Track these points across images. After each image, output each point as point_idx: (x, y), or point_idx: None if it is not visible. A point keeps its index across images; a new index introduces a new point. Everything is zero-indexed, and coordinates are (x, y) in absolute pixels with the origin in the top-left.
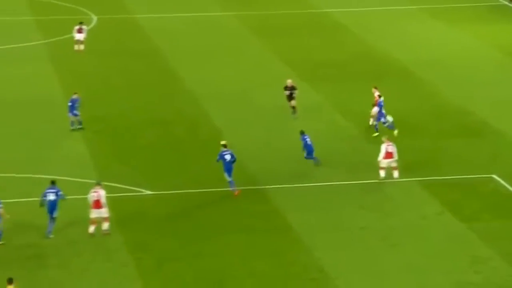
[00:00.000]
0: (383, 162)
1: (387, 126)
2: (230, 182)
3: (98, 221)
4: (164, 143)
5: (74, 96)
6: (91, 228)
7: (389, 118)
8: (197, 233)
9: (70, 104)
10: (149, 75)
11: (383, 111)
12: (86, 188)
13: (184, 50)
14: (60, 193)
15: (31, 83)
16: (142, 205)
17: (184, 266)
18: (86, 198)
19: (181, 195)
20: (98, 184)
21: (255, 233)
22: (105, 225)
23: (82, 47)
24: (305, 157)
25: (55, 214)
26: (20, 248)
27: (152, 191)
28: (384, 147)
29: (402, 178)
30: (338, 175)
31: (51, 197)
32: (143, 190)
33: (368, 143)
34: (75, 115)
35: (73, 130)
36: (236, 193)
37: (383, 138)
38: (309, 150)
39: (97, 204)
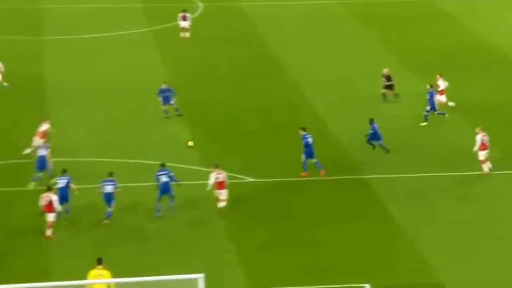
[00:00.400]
0: (481, 155)
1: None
2: (316, 163)
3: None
4: (266, 130)
5: (163, 86)
6: (220, 204)
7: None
8: (299, 221)
9: (163, 94)
10: (253, 62)
11: (434, 100)
12: (189, 174)
13: (289, 37)
14: (171, 174)
15: (137, 69)
16: (245, 192)
17: (286, 254)
18: (187, 184)
19: (283, 183)
20: (216, 166)
21: (357, 223)
22: (221, 204)
23: (187, 34)
24: (373, 143)
25: (173, 193)
26: (125, 231)
27: (254, 178)
28: (479, 138)
29: (504, 170)
30: (437, 167)
31: (164, 178)
32: (246, 177)
33: (467, 134)
34: (170, 104)
35: (166, 117)
36: (322, 173)
37: (477, 129)
38: (377, 138)
39: (221, 185)
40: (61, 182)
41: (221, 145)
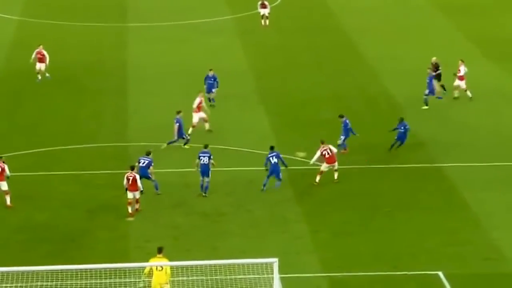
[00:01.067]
0: None
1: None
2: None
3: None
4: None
5: (210, 73)
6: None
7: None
8: (373, 208)
9: (208, 81)
10: (332, 51)
11: (433, 83)
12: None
13: (368, 26)
14: (280, 155)
15: (219, 56)
16: (321, 178)
17: (359, 241)
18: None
19: (360, 170)
20: (322, 142)
21: (431, 210)
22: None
23: (267, 22)
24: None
25: (281, 175)
26: (201, 214)
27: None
28: None
29: None
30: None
31: (274, 159)
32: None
33: None
34: (211, 91)
35: (212, 106)
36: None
37: None
38: (402, 140)
39: (330, 160)
40: (142, 161)
41: (298, 132)
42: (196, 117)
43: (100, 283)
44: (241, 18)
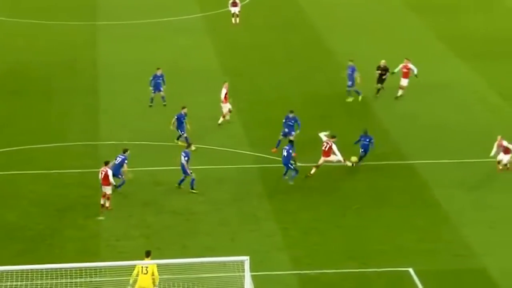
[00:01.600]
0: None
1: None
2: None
3: None
4: (315, 115)
5: (158, 72)
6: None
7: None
8: (345, 205)
9: (155, 81)
10: (303, 48)
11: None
12: (238, 158)
13: (339, 23)
14: (290, 151)
15: (189, 54)
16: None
17: (330, 238)
18: (236, 168)
19: (330, 168)
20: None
21: (401, 207)
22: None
23: (237, 20)
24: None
25: (292, 166)
26: (172, 213)
27: (301, 162)
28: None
29: None
30: (482, 152)
31: (284, 153)
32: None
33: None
34: (160, 91)
35: (151, 106)
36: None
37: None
38: (366, 151)
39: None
40: (118, 159)
41: (270, 130)
42: (225, 108)
43: (70, 282)
44: (212, 16)
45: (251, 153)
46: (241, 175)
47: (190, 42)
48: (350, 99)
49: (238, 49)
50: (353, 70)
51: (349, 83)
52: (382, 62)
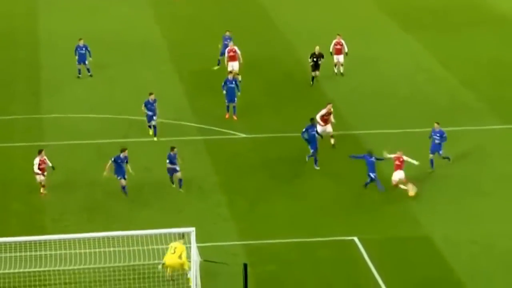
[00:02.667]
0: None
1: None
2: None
3: None
4: (259, 88)
5: (80, 43)
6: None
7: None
8: (290, 175)
9: (79, 51)
10: (247, 21)
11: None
12: (183, 130)
13: None
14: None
15: (132, 26)
16: (237, 148)
17: (276, 208)
18: (181, 140)
19: (275, 139)
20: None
21: (345, 177)
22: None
23: None
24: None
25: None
26: (117, 188)
27: (246, 134)
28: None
29: (491, 125)
30: (426, 122)
31: (306, 134)
32: (238, 133)
33: (457, 89)
34: (85, 63)
35: (79, 77)
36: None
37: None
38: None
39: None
40: (119, 159)
41: (215, 102)
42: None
43: (15, 256)
44: None
45: (195, 124)
46: (186, 147)
47: (132, 13)
48: (217, 67)
49: (180, 22)
50: (226, 39)
51: (222, 52)
52: (317, 49)
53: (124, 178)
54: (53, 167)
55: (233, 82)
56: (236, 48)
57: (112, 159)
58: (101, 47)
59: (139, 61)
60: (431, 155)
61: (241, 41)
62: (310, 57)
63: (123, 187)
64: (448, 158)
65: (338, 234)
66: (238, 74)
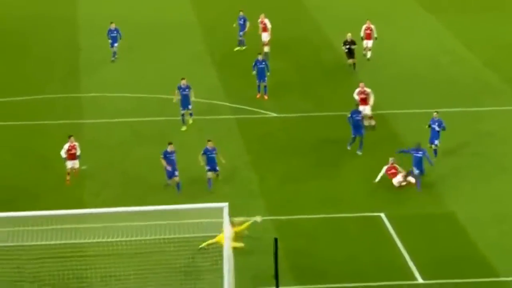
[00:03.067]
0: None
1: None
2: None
3: None
4: (289, 68)
5: (112, 27)
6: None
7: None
8: (318, 154)
9: (111, 35)
10: (277, 2)
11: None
12: (216, 109)
13: None
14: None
15: (166, 8)
16: (268, 127)
17: (305, 185)
18: (213, 118)
19: (304, 118)
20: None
21: (373, 156)
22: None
23: None
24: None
25: (363, 132)
26: (150, 165)
27: (277, 113)
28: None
29: None
30: (450, 103)
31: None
32: (269, 113)
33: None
34: (114, 46)
35: (113, 61)
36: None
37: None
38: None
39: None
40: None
41: (247, 82)
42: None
43: (56, 228)
44: None
45: (227, 103)
46: (219, 126)
47: None
48: (238, 49)
49: (213, 4)
50: (244, 20)
51: (241, 33)
52: (349, 36)
53: (174, 175)
54: (177, 187)
55: (263, 63)
56: (266, 20)
57: (162, 155)
58: (137, 29)
59: (173, 42)
60: (432, 146)
61: (272, 22)
62: (343, 45)
63: (177, 184)
64: (435, 151)
65: (365, 211)
66: (267, 45)
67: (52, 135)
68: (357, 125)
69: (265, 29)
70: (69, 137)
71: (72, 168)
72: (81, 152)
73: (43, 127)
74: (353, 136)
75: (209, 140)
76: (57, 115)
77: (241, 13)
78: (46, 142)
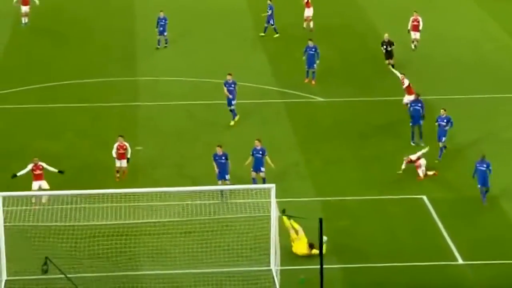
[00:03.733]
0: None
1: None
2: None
3: None
4: (334, 54)
5: (161, 15)
6: None
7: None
8: (363, 137)
9: (160, 23)
10: None
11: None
12: (265, 93)
13: None
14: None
15: None
16: (314, 110)
17: (349, 168)
18: (262, 102)
19: (349, 103)
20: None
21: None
22: None
23: None
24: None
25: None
26: (204, 145)
27: (323, 98)
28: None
29: None
30: (493, 88)
31: (416, 107)
32: (316, 97)
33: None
34: (163, 34)
35: (158, 48)
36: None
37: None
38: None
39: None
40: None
41: (294, 67)
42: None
43: (110, 206)
44: None
45: (276, 88)
46: (267, 109)
47: None
48: (262, 34)
49: None
50: (271, 8)
51: (271, 21)
52: (386, 36)
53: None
54: (128, 159)
55: (313, 49)
56: None
57: (213, 157)
58: (190, 15)
59: (224, 28)
60: (440, 143)
61: (316, 9)
62: (382, 45)
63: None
64: (442, 149)
65: (408, 193)
66: (310, 20)
67: (109, 117)
68: (416, 115)
69: (308, 4)
70: (119, 136)
71: (120, 167)
72: (131, 153)
73: (100, 109)
74: (411, 125)
75: (257, 139)
76: (114, 97)
77: (269, 2)
78: (105, 124)
